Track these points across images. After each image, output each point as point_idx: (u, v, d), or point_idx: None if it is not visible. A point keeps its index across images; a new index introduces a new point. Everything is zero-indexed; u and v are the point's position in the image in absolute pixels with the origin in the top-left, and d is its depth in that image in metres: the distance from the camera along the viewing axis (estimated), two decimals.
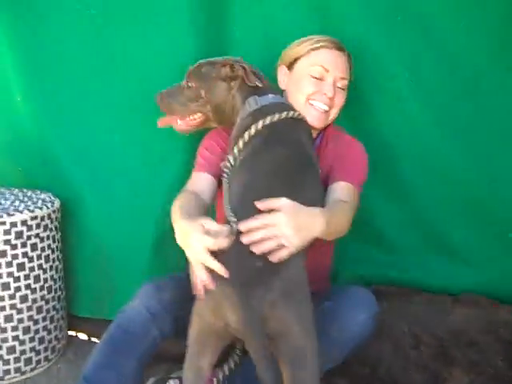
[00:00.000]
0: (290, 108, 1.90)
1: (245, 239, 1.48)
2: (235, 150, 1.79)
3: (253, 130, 1.80)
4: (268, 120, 1.81)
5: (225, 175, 1.79)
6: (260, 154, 1.75)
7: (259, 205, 1.54)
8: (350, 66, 2.06)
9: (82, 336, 2.61)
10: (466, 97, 2.22)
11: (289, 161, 1.73)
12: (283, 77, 2.07)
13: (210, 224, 1.53)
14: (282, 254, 1.49)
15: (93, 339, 2.58)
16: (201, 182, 1.97)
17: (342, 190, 1.88)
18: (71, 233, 2.50)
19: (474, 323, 2.18)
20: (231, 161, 1.79)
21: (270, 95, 1.92)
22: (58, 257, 2.39)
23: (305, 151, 1.81)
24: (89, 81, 2.38)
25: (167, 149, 2.26)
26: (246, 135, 1.80)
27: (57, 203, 2.39)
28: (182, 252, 2.34)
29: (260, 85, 1.92)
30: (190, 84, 1.99)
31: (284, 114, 1.84)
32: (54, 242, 2.35)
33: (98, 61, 2.36)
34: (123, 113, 2.37)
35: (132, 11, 2.29)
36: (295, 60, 2.03)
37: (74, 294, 2.54)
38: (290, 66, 2.05)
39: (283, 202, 1.54)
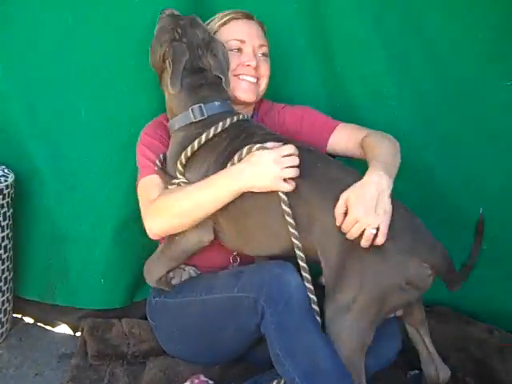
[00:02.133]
0: (236, 113, 1.78)
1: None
2: (179, 166, 1.69)
3: (203, 139, 1.69)
4: (220, 127, 1.70)
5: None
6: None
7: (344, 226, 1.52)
8: (265, 33, 1.95)
9: (28, 320, 2.34)
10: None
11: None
12: None
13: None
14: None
15: (39, 324, 2.32)
16: (160, 185, 1.76)
17: (349, 131, 1.88)
18: (25, 210, 2.22)
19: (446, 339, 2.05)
20: (180, 168, 1.70)
21: (216, 103, 1.76)
22: (7, 235, 2.10)
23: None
24: (56, 49, 2.08)
25: (136, 127, 1.96)
26: (196, 143, 1.69)
27: (11, 178, 2.10)
28: (144, 241, 2.13)
29: (172, 91, 1.74)
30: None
31: (235, 118, 1.73)
32: (4, 219, 2.07)
33: (65, 31, 2.07)
34: (91, 85, 2.09)
35: None
36: None
37: (22, 276, 2.27)
38: None
39: (344, 197, 1.52)
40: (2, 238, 2.07)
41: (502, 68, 2.03)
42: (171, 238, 1.74)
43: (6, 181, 2.05)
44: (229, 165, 1.64)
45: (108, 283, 2.20)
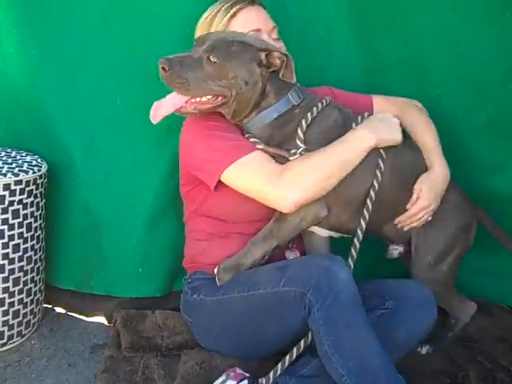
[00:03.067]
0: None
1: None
2: (300, 133, 1.68)
3: (315, 111, 1.71)
4: (320, 107, 1.72)
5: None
6: None
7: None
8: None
9: (59, 309, 2.29)
10: None
11: None
12: None
13: None
14: None
15: (71, 313, 2.27)
16: (271, 159, 1.68)
17: (381, 103, 1.93)
18: (59, 200, 2.17)
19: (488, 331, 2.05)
20: (301, 144, 1.67)
21: (298, 86, 1.75)
22: (40, 225, 2.06)
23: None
24: (91, 39, 2.01)
25: (173, 116, 1.84)
26: (315, 110, 1.71)
27: (44, 168, 2.05)
28: (179, 230, 2.06)
29: (294, 81, 1.67)
30: (213, 59, 1.59)
31: (325, 101, 1.75)
32: (37, 209, 2.02)
33: (101, 19, 2.00)
34: (126, 75, 2.03)
35: None
36: None
37: (56, 265, 2.22)
38: None
39: (417, 189, 1.78)
40: (35, 228, 2.02)
41: None
42: (282, 216, 1.68)
43: (39, 171, 2.00)
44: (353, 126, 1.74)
45: (146, 272, 2.16)
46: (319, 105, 1.72)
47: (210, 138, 1.69)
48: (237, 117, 1.70)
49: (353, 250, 1.66)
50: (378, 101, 1.94)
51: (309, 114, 1.69)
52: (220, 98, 1.65)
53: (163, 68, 1.55)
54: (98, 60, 2.03)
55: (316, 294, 1.50)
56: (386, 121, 1.75)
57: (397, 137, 1.74)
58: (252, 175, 1.64)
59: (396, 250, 1.91)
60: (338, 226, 1.78)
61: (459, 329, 1.99)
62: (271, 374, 1.60)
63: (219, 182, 1.68)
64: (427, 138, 1.84)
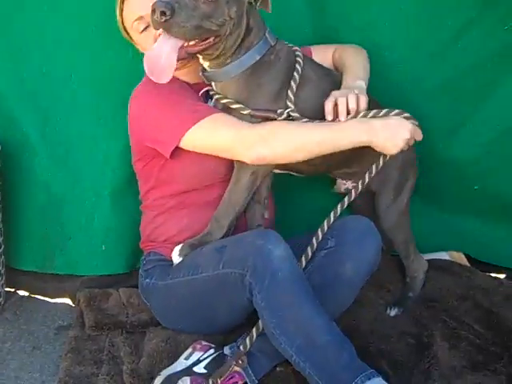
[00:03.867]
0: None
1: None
2: (290, 94, 1.60)
3: (299, 69, 1.63)
4: (300, 57, 1.66)
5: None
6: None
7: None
8: None
9: (22, 293, 2.22)
10: None
11: None
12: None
13: None
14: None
15: (34, 296, 2.21)
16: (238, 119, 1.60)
17: (321, 51, 1.84)
18: (16, 180, 2.09)
19: (450, 290, 2.03)
20: (291, 105, 1.59)
21: None
22: None
23: None
24: (44, 11, 1.92)
25: (129, 89, 1.79)
26: (300, 68, 1.63)
27: None
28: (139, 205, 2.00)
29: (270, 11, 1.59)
30: None
31: (301, 54, 1.69)
32: None
33: None
34: (80, 48, 1.95)
35: None
36: (127, 32, 1.74)
37: (17, 247, 2.15)
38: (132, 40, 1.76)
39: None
40: None
41: (500, 12, 1.88)
42: (235, 179, 1.66)
43: None
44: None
45: (109, 249, 2.12)
46: (299, 60, 1.64)
47: (164, 107, 1.60)
48: (221, 56, 1.59)
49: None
50: (319, 49, 1.85)
51: (295, 73, 1.61)
52: (212, 39, 1.53)
53: (163, 13, 1.39)
54: (50, 35, 1.95)
55: (254, 276, 1.46)
56: (393, 130, 1.56)
57: (390, 151, 1.57)
58: (218, 134, 1.58)
59: (344, 185, 1.95)
60: (292, 168, 1.75)
61: (419, 287, 2.01)
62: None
63: (176, 148, 1.61)
64: (352, 64, 1.74)
